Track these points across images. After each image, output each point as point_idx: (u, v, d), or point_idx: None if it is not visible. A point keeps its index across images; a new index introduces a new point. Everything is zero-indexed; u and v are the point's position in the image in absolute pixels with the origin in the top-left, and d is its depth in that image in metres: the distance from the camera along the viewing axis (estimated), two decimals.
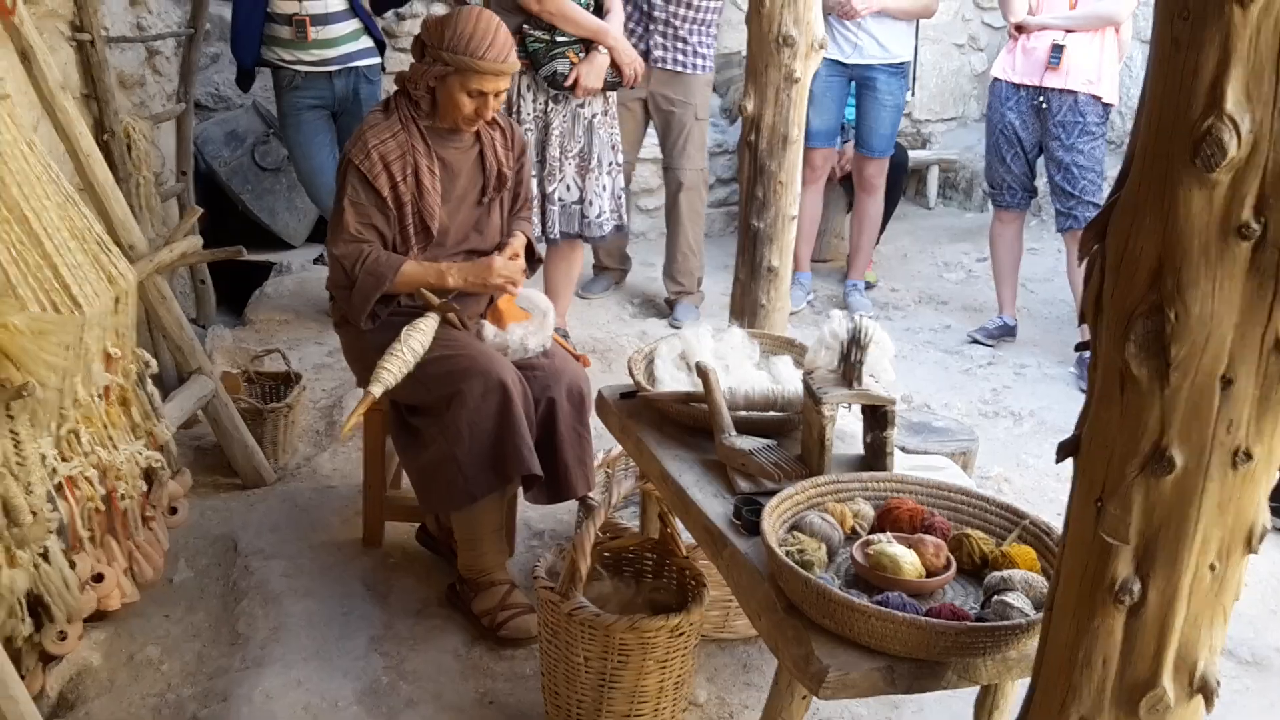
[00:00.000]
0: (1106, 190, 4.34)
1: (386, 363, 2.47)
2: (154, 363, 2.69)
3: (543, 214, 3.88)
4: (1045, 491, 3.33)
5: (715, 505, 1.92)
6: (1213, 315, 1.15)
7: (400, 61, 6.05)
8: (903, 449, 2.67)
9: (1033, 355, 4.40)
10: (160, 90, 4.41)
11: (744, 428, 2.06)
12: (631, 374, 2.29)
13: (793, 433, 2.15)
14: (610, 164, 3.96)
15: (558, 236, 3.92)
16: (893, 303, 5.03)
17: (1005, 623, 1.50)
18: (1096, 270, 1.25)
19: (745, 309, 3.42)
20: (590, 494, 2.67)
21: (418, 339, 2.50)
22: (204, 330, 4.27)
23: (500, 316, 2.77)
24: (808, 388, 1.98)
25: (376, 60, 4.39)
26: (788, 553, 1.66)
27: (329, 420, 3.61)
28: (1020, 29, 4.18)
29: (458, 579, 2.66)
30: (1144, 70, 1.17)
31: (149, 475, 2.62)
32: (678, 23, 4.32)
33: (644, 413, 2.25)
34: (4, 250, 2.19)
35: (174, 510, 2.78)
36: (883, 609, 1.49)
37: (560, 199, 3.88)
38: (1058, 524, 3.01)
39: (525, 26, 3.69)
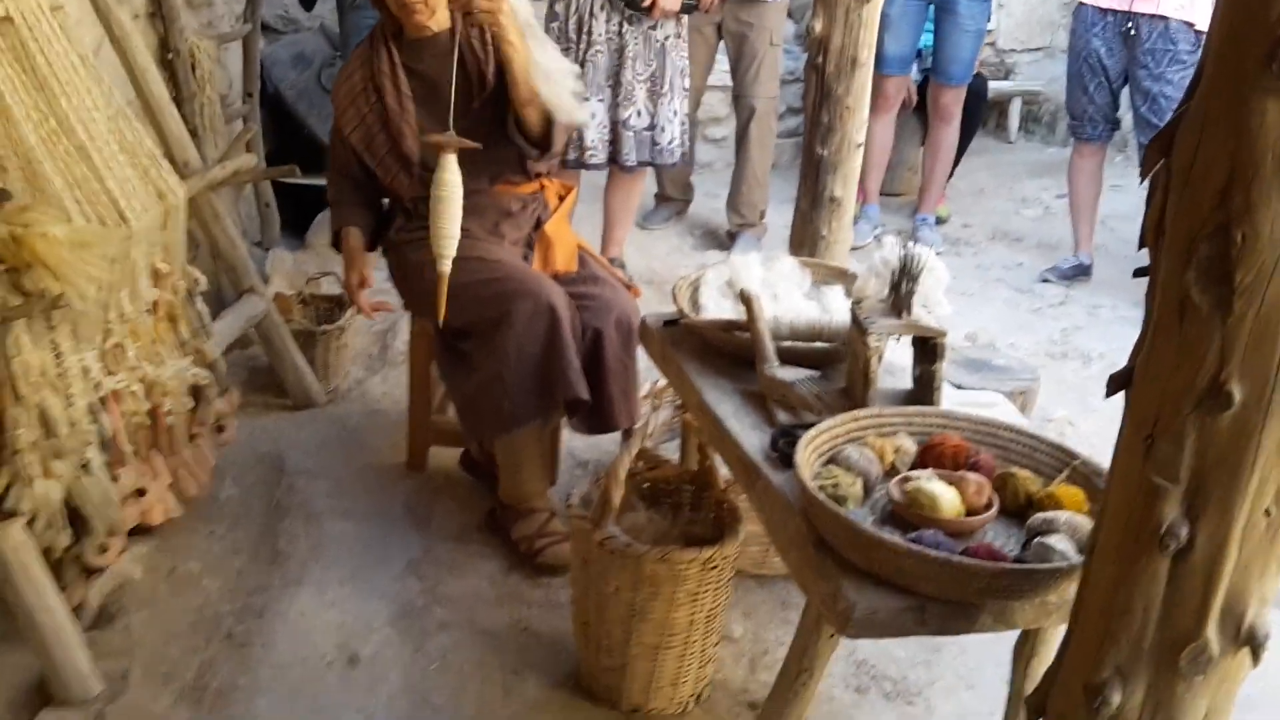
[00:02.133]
0: None
1: (436, 233, 2.34)
2: (203, 280, 2.68)
3: (616, 140, 3.79)
4: (1109, 437, 3.16)
5: (752, 437, 1.85)
6: None
7: None
8: (957, 386, 2.57)
9: (1108, 296, 4.22)
10: (229, 10, 4.39)
11: (788, 358, 1.98)
12: (676, 300, 2.21)
13: (840, 365, 2.06)
14: (680, 89, 3.85)
15: (634, 164, 3.83)
16: (964, 239, 4.86)
17: (1044, 565, 1.41)
18: (1160, 188, 1.14)
19: (805, 240, 3.31)
20: (634, 427, 2.62)
21: (449, 195, 2.33)
22: (266, 252, 4.29)
23: (549, 244, 2.70)
24: (854, 317, 1.89)
25: None
26: (821, 486, 1.59)
27: (382, 345, 3.61)
28: None
29: (498, 504, 2.64)
30: None
31: (196, 392, 2.63)
32: None
33: (686, 341, 2.18)
34: (52, 161, 2.18)
35: (221, 428, 2.79)
36: (914, 546, 1.42)
37: (633, 125, 3.78)
38: None
39: None
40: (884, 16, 4.76)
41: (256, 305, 3.06)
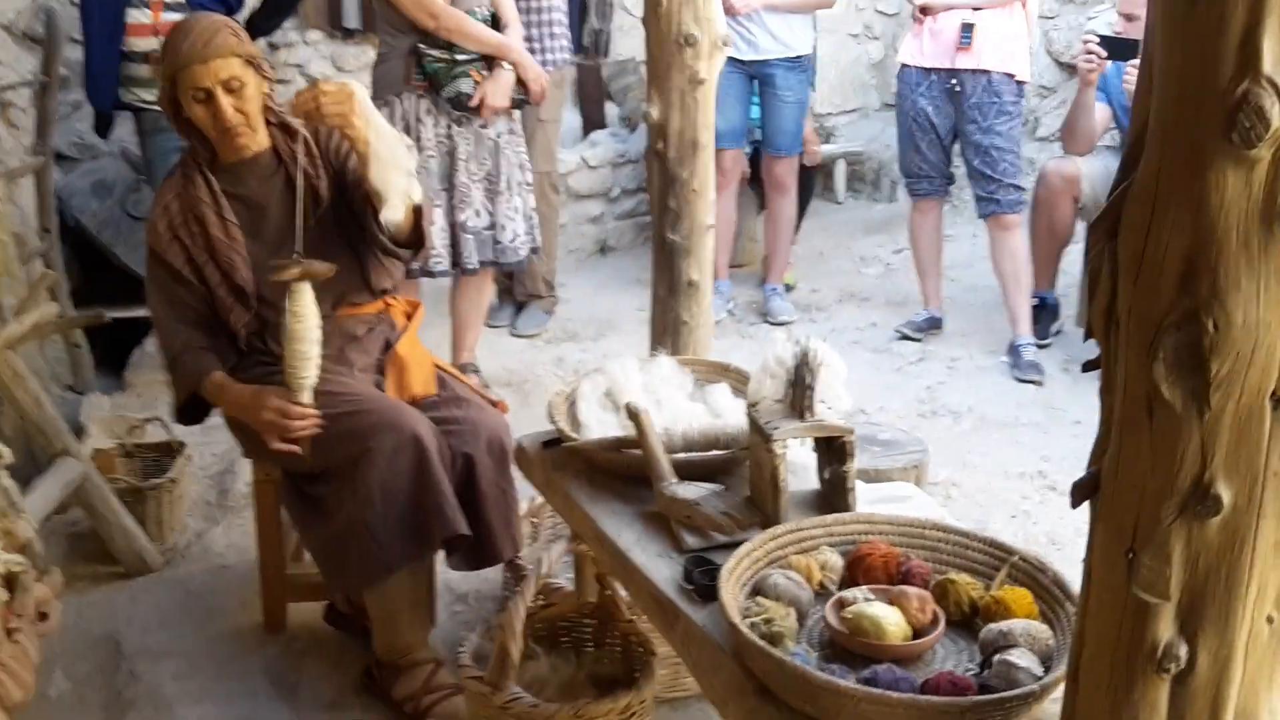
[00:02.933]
0: (1026, 171, 4.21)
1: (295, 364, 2.15)
2: (8, 452, 2.35)
3: (455, 244, 3.58)
4: (995, 493, 3.16)
5: (661, 568, 1.67)
6: (1259, 322, 0.94)
7: (280, 95, 5.71)
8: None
9: (963, 347, 4.25)
10: (16, 144, 4.02)
11: (685, 472, 1.82)
12: (553, 420, 2.03)
13: (739, 471, 1.91)
14: (520, 184, 3.69)
15: (475, 265, 3.63)
16: (814, 303, 4.85)
17: (1016, 692, 1.28)
18: (1107, 275, 1.04)
19: (666, 326, 3.19)
20: (518, 555, 2.41)
21: (306, 325, 2.14)
22: (80, 398, 3.89)
23: (403, 366, 2.48)
24: (754, 423, 1.75)
25: None
26: (753, 625, 1.42)
27: (221, 489, 3.28)
28: (925, 10, 4.03)
29: (374, 662, 2.37)
30: (1155, 30, 0.96)
31: (9, 581, 2.28)
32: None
33: (570, 463, 1.99)
34: None
35: (44, 615, 2.43)
36: (874, 691, 1.26)
37: (473, 227, 3.59)
38: (1016, 537, 2.86)
39: (421, 46, 3.40)
40: None
41: (73, 469, 2.71)
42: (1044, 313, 4.23)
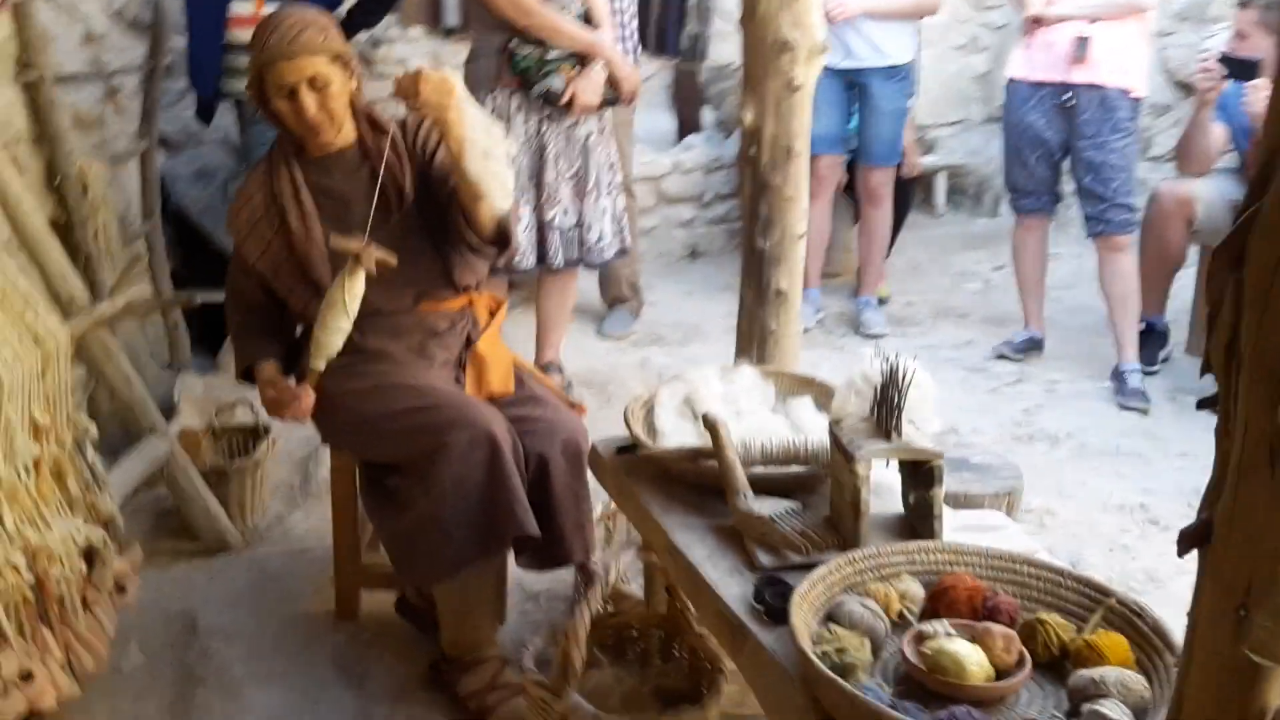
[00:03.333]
0: (1138, 192, 4.03)
1: (322, 333, 2.19)
2: (93, 428, 2.40)
3: (542, 242, 3.58)
4: (1094, 525, 3.02)
5: (732, 585, 1.62)
6: None
7: (379, 90, 5.79)
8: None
9: (1063, 370, 4.09)
10: (122, 129, 4.12)
11: (762, 487, 1.76)
12: (629, 426, 1.99)
13: (819, 488, 1.84)
14: (609, 185, 3.66)
15: (561, 264, 3.62)
16: (909, 318, 4.72)
17: None
18: (1229, 309, 0.95)
19: (753, 334, 3.13)
20: (589, 559, 2.37)
21: (349, 299, 2.15)
22: (176, 375, 3.98)
23: (482, 363, 2.46)
24: (836, 441, 1.68)
25: None
26: (824, 654, 1.35)
27: (304, 474, 3.31)
28: (1038, 22, 3.89)
29: (441, 656, 2.35)
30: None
31: (90, 554, 2.32)
32: None
33: (645, 470, 1.94)
34: None
35: (122, 589, 2.47)
36: None
37: (559, 225, 3.58)
38: (1112, 572, 2.73)
39: (513, 44, 3.39)
40: None
41: (158, 447, 2.76)
42: (1152, 338, 4.05)
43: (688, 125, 5.96)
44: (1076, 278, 4.93)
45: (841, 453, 1.65)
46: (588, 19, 3.51)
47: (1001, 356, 4.15)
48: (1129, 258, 3.92)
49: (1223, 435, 0.99)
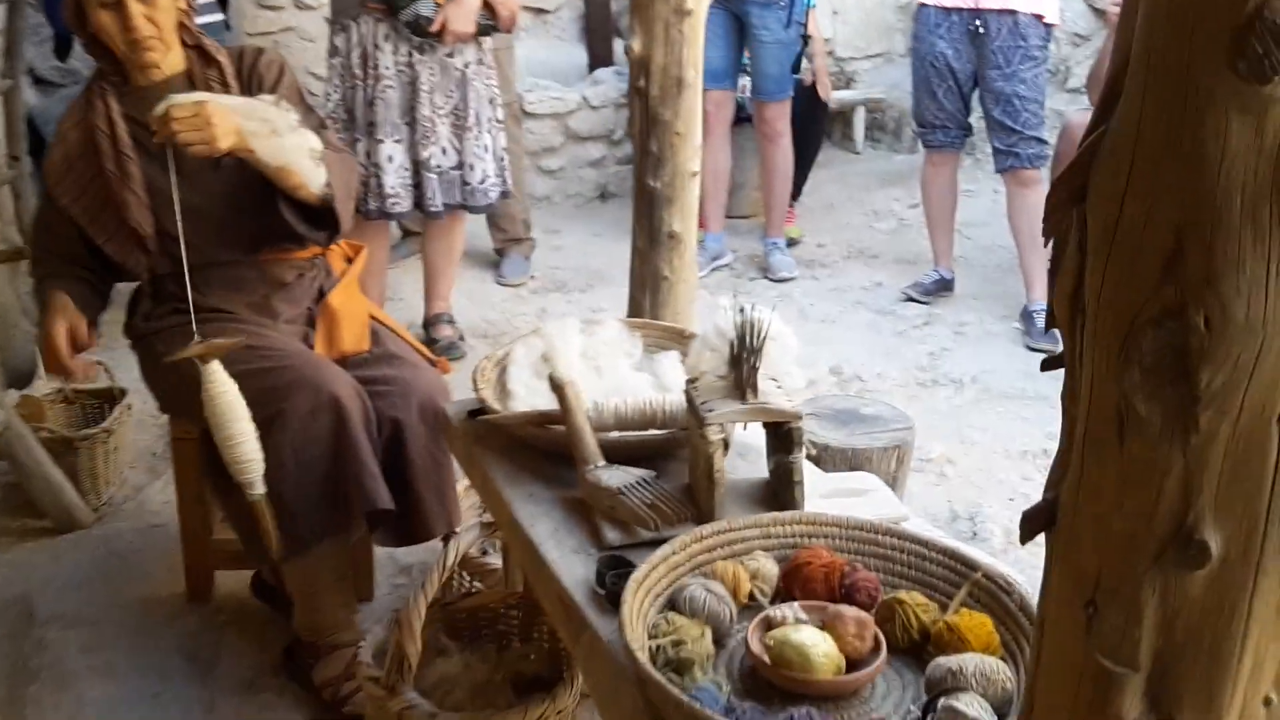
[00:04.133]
0: (1050, 124, 3.89)
1: (229, 451, 1.92)
2: None
3: (419, 184, 3.35)
4: (993, 472, 2.92)
5: (575, 565, 1.45)
6: (1266, 318, 0.70)
7: (268, 22, 5.47)
8: (825, 448, 2.23)
9: (973, 310, 3.98)
10: None
11: (617, 454, 1.60)
12: (476, 387, 1.81)
13: (680, 454, 1.68)
14: (489, 120, 3.43)
15: (440, 208, 3.39)
16: (819, 259, 4.58)
17: None
18: (1073, 249, 0.79)
19: (645, 279, 2.98)
20: (455, 531, 2.21)
21: (226, 403, 1.92)
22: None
23: (334, 318, 2.26)
24: (690, 402, 1.51)
25: (217, 17, 3.81)
26: (659, 648, 1.20)
27: (167, 440, 3.08)
28: None
29: (295, 641, 2.18)
30: None
31: None
32: None
33: (493, 437, 1.77)
34: None
35: None
36: None
37: (437, 165, 3.35)
38: (1011, 523, 2.62)
39: None
40: None
41: None
42: None
43: (598, 58, 5.70)
44: (991, 214, 4.81)
45: (694, 415, 1.49)
46: None
47: (910, 299, 4.03)
48: (1039, 193, 3.79)
49: (1069, 402, 0.83)
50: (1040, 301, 3.77)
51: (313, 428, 1.99)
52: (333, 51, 3.28)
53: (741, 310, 1.48)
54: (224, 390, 1.90)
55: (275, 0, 5.40)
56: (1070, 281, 0.80)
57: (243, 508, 2.09)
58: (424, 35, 3.18)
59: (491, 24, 3.29)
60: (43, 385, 3.11)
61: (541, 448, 1.70)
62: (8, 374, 3.06)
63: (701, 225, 4.36)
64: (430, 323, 3.68)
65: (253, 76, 2.22)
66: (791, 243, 4.60)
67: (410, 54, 3.23)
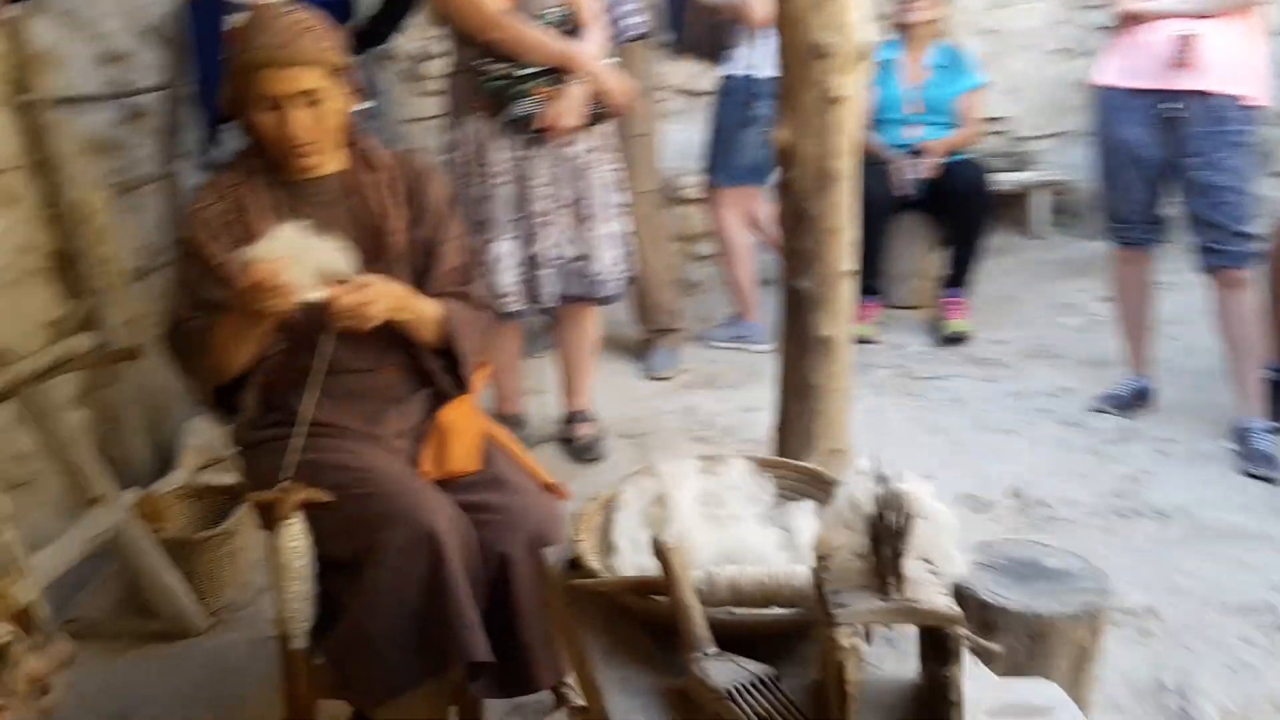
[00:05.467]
0: (1258, 216, 3.42)
1: (285, 604, 1.91)
2: (7, 502, 2.09)
3: (532, 282, 3.16)
4: (1207, 631, 2.46)
5: None
6: None
7: (423, 108, 5.49)
8: (1001, 612, 1.87)
9: (1178, 425, 3.50)
10: (149, 154, 3.88)
11: (732, 636, 1.32)
12: (575, 538, 1.56)
13: (813, 632, 1.39)
14: (611, 206, 3.22)
15: (556, 301, 3.20)
16: (996, 359, 4.18)
17: None
18: None
19: (794, 388, 2.71)
20: (563, 681, 1.97)
21: (297, 562, 1.88)
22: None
23: (444, 436, 2.08)
24: (818, 591, 1.23)
25: (368, 104, 3.77)
26: None
27: None
28: (1134, 19, 3.31)
29: None
30: None
31: (0, 652, 2.01)
32: None
33: (591, 599, 1.51)
34: None
35: (44, 690, 2.16)
36: None
37: (556, 258, 3.15)
38: (1230, 698, 2.19)
39: (478, 63, 2.98)
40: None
41: (103, 520, 2.44)
42: None
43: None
44: (1196, 311, 4.29)
45: (822, 610, 1.20)
46: (573, 24, 3.05)
47: (1102, 410, 3.59)
48: (1249, 295, 3.32)
49: None
50: (1255, 418, 3.28)
51: (408, 566, 1.80)
52: (447, 148, 3.16)
53: (883, 480, 1.19)
54: (292, 547, 1.82)
55: (430, 87, 5.43)
56: None
57: (329, 640, 1.93)
58: (530, 134, 3.02)
59: (604, 112, 3.10)
60: (169, 481, 3.05)
61: (645, 620, 1.44)
62: (123, 473, 3.01)
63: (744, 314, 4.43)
64: (568, 420, 3.49)
65: (413, 187, 2.11)
66: (961, 338, 4.24)
67: (523, 149, 3.07)
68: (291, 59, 1.92)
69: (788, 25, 2.33)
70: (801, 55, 2.33)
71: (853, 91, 2.38)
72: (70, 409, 3.12)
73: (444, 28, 3.11)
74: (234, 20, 3.19)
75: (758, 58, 4.03)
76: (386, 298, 1.92)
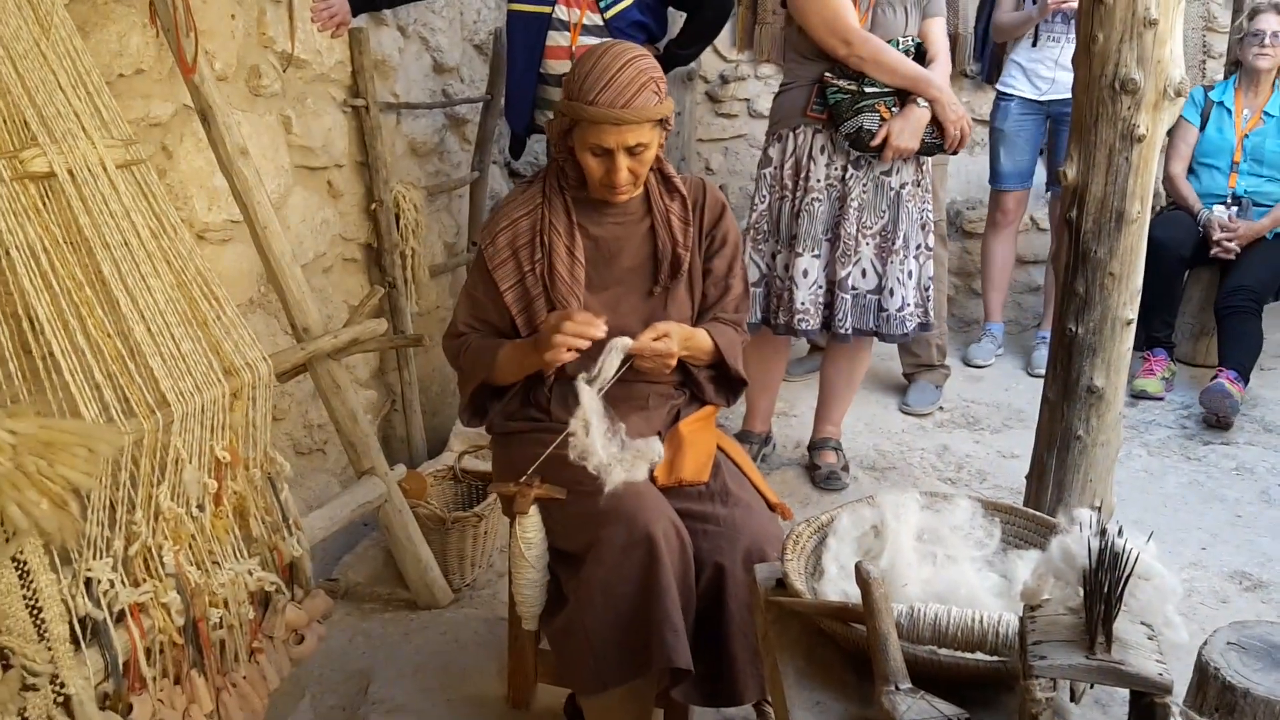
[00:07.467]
0: None
1: (520, 593, 2.09)
2: (287, 466, 2.32)
3: (830, 305, 3.17)
4: None
5: None
6: None
7: (720, 129, 5.61)
8: (1244, 695, 1.69)
9: None
10: (467, 159, 4.21)
11: (931, 676, 1.28)
12: (783, 557, 1.56)
13: (1016, 685, 1.32)
14: (918, 245, 3.18)
15: (849, 331, 3.17)
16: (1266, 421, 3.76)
17: None
18: None
19: (1054, 436, 2.56)
20: (769, 699, 1.95)
21: (535, 553, 2.06)
22: None
23: (679, 446, 2.12)
24: (1021, 640, 1.17)
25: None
26: None
27: None
28: None
29: None
30: None
31: (265, 598, 2.24)
32: None
33: (792, 620, 1.51)
34: (65, 337, 1.87)
35: (300, 639, 2.38)
36: None
37: (854, 287, 3.14)
38: None
39: (828, 75, 3.03)
40: (998, 132, 4.13)
41: (372, 489, 2.66)
42: None
43: (1056, 175, 5.24)
44: None
45: (1022, 658, 1.14)
46: (920, 56, 3.07)
47: None
48: None
49: None
50: None
51: (624, 564, 1.85)
52: (764, 162, 3.20)
53: (1103, 533, 1.11)
54: (527, 538, 1.94)
55: (731, 109, 5.54)
56: None
57: (551, 627, 2.02)
58: (864, 149, 3.01)
59: (938, 143, 3.05)
60: (434, 463, 3.28)
61: (846, 647, 1.42)
62: (399, 452, 3.25)
63: (986, 316, 4.58)
64: (815, 446, 3.46)
65: (710, 218, 2.19)
66: (1147, 394, 4.05)
67: (844, 168, 3.07)
68: (630, 119, 1.95)
69: (1093, 56, 2.21)
70: (1102, 89, 2.21)
71: (1156, 132, 2.24)
72: (360, 388, 3.42)
73: (796, 44, 3.15)
74: (554, 38, 3.36)
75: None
76: (680, 341, 2.03)
